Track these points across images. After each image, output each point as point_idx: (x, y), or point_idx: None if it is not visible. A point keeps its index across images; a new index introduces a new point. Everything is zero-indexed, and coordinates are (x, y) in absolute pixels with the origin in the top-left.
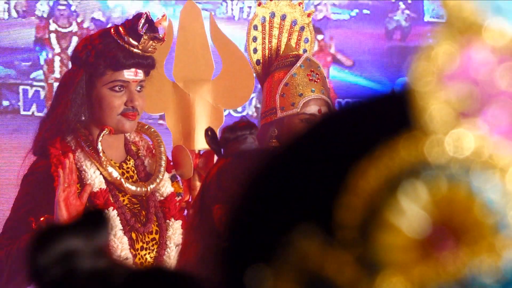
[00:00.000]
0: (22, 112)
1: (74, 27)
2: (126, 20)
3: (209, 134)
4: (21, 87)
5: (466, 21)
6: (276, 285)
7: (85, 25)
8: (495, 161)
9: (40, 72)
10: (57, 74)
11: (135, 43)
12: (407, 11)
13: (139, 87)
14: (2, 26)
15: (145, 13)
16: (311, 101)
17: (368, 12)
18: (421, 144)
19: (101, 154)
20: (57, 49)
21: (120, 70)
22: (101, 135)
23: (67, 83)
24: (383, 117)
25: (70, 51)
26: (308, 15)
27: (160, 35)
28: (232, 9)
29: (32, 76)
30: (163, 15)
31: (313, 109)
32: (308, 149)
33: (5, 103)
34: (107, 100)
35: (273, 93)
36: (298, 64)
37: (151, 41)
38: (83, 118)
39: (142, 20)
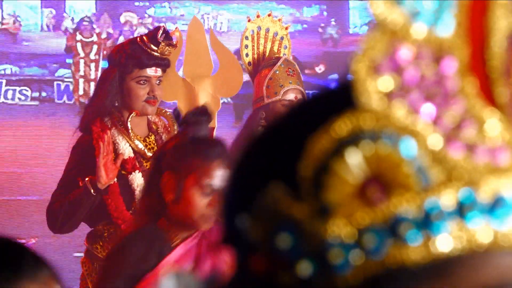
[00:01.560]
0: (56, 101)
1: (94, 38)
2: (149, 31)
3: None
4: (55, 82)
5: (392, 24)
6: (254, 228)
7: (103, 36)
8: (416, 128)
9: (69, 71)
10: (81, 73)
11: (155, 48)
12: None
13: (158, 81)
14: (36, 38)
15: (162, 26)
16: (289, 90)
17: (306, 26)
18: (361, 118)
19: (130, 131)
20: (82, 54)
21: (144, 68)
22: (130, 116)
23: (104, 78)
24: (334, 100)
25: (92, 55)
26: (286, 28)
27: (174, 43)
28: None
29: (62, 73)
30: (176, 28)
31: (291, 96)
32: (282, 126)
33: (44, 94)
34: (134, 91)
35: (261, 85)
36: (279, 63)
37: (167, 47)
38: (117, 104)
39: (160, 31)
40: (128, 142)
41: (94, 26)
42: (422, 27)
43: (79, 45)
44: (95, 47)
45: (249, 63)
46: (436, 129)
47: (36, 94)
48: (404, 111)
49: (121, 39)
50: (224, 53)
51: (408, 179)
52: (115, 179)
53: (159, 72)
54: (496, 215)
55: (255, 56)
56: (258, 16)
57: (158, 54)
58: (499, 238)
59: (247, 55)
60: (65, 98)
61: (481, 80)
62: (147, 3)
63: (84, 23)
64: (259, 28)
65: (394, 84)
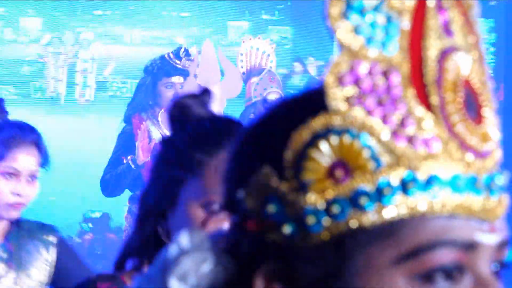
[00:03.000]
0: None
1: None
2: (174, 50)
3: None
4: None
5: (352, 47)
6: (250, 200)
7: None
8: (371, 125)
9: None
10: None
11: (178, 62)
12: None
13: (181, 86)
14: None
15: (183, 46)
16: (271, 93)
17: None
18: (330, 117)
19: (160, 123)
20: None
21: (170, 77)
22: (160, 112)
23: (141, 84)
24: (311, 103)
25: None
26: (272, 47)
27: (192, 58)
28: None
29: None
30: (194, 47)
31: (272, 97)
32: (272, 122)
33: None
34: (163, 93)
35: (250, 89)
36: (263, 72)
37: (187, 61)
38: (150, 103)
39: (182, 50)
40: (158, 130)
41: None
42: (375, 49)
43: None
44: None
45: (243, 72)
46: (385, 126)
47: None
48: (362, 112)
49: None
50: (229, 66)
51: (365, 163)
52: (149, 157)
53: (181, 79)
54: (430, 190)
55: (248, 67)
56: (250, 39)
57: (180, 66)
58: (433, 206)
59: (242, 67)
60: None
61: (419, 88)
62: None
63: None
64: (251, 47)
65: (354, 92)
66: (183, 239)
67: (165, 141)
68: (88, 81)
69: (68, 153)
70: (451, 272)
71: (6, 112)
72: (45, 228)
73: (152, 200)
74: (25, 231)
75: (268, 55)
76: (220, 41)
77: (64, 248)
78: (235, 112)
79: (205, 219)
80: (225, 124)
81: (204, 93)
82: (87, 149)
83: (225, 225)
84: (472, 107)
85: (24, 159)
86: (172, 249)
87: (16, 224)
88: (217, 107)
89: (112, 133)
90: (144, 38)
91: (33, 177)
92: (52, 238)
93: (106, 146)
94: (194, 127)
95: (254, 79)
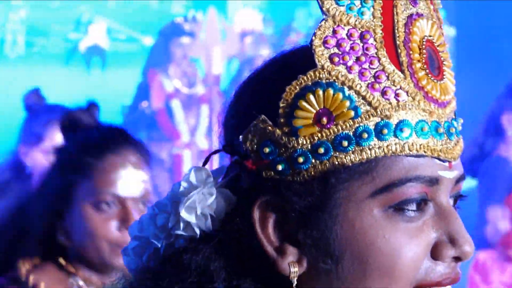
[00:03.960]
0: None
1: None
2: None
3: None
4: None
5: (335, 14)
6: (249, 143)
7: None
8: (350, 79)
9: None
10: None
11: (187, 25)
12: None
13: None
14: None
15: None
16: None
17: None
18: (318, 73)
19: (170, 76)
20: None
21: (179, 37)
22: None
23: (156, 44)
24: (301, 60)
25: None
26: None
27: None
28: None
29: None
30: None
31: None
32: (269, 76)
33: None
34: (174, 51)
35: None
36: None
37: (194, 25)
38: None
39: (190, 15)
40: (170, 82)
41: None
42: (353, 17)
43: None
44: None
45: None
46: (362, 80)
47: None
48: (343, 69)
49: None
50: (228, 30)
51: (346, 112)
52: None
53: (188, 40)
54: (401, 134)
55: None
56: None
57: (188, 29)
58: (402, 148)
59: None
60: None
61: (390, 49)
62: None
63: None
64: None
65: (336, 53)
66: (192, 176)
67: (58, 149)
68: None
69: None
70: (418, 203)
71: (44, 99)
72: None
73: (47, 202)
74: None
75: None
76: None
77: None
78: None
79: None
80: (111, 131)
81: (92, 107)
82: None
83: (114, 223)
84: (434, 64)
85: (61, 137)
86: (182, 185)
87: None
88: (218, 65)
89: None
90: None
91: None
92: None
93: None
94: (84, 135)
95: None
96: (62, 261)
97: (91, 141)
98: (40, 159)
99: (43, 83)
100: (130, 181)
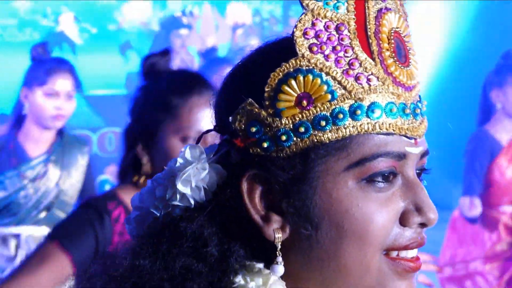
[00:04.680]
0: None
1: None
2: (181, 10)
3: None
4: None
5: (313, 8)
6: (238, 123)
7: None
8: (327, 66)
9: None
10: None
11: (184, 18)
12: None
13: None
14: None
15: (189, 7)
16: None
17: None
18: (299, 61)
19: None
20: None
21: (178, 29)
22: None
23: (157, 35)
24: (285, 50)
25: None
26: None
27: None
28: None
29: None
30: (196, 7)
31: None
32: (256, 63)
33: None
34: (173, 40)
35: None
36: None
37: (191, 18)
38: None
39: (188, 10)
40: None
41: None
42: (329, 11)
43: None
44: None
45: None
46: (338, 67)
47: None
48: (321, 57)
49: None
50: (221, 22)
51: (324, 95)
52: None
53: (186, 31)
54: (372, 114)
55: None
56: None
57: (186, 22)
58: (374, 126)
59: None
60: None
61: (362, 39)
62: None
63: None
64: None
65: (315, 43)
66: (187, 153)
67: (143, 88)
68: None
69: None
70: (387, 176)
71: (49, 52)
72: (81, 139)
73: (136, 134)
74: (66, 141)
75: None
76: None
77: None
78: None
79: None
80: (192, 75)
81: (166, 52)
82: None
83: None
84: (401, 52)
85: (61, 82)
86: (178, 161)
87: (60, 135)
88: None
89: None
90: None
91: (70, 96)
92: (85, 148)
93: None
94: (169, 78)
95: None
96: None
97: (177, 83)
98: (38, 100)
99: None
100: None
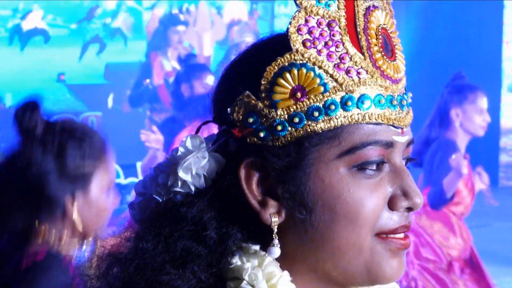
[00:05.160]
0: None
1: None
2: (178, 8)
3: None
4: None
5: (306, 6)
6: (236, 114)
7: None
8: (320, 61)
9: None
10: None
11: (181, 16)
12: None
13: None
14: None
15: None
16: None
17: None
18: (293, 55)
19: (169, 58)
20: None
21: (176, 26)
22: (169, 50)
23: (156, 31)
24: (280, 45)
25: None
26: None
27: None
28: None
29: None
30: (192, 5)
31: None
32: (247, 59)
33: None
34: (171, 37)
35: None
36: None
37: (187, 15)
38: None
39: (184, 7)
40: (168, 63)
41: None
42: (321, 8)
43: None
44: None
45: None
46: (330, 61)
47: None
48: (314, 52)
49: None
50: (216, 19)
51: (317, 87)
52: (162, 81)
53: (183, 28)
54: (362, 105)
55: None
56: None
57: (183, 19)
58: (363, 117)
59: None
60: None
61: (352, 35)
62: None
63: None
64: None
65: (308, 38)
66: (188, 143)
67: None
68: None
69: None
70: (376, 163)
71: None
72: None
73: None
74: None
75: None
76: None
77: None
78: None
79: None
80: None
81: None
82: None
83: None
84: (388, 47)
85: None
86: (180, 150)
87: None
88: (208, 48)
89: None
90: None
91: None
92: None
93: None
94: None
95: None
96: None
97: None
98: None
99: None
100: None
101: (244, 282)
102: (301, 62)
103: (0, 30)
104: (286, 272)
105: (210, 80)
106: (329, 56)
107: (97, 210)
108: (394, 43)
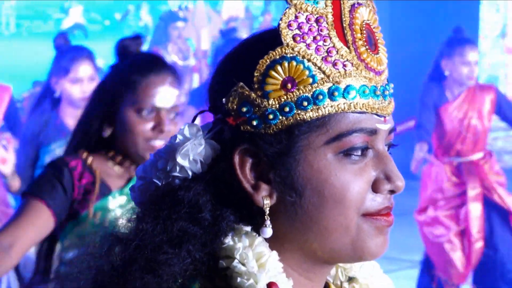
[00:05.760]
0: None
1: None
2: (178, 5)
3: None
4: None
5: (296, 3)
6: (230, 104)
7: None
8: (309, 54)
9: None
10: None
11: (180, 12)
12: None
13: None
14: None
15: (184, 3)
16: None
17: None
18: (283, 49)
19: (169, 51)
20: None
21: (175, 22)
22: (169, 44)
23: (157, 27)
24: (272, 40)
25: None
26: None
27: (189, 10)
28: None
29: None
30: (190, 2)
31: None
32: (241, 52)
33: None
34: (171, 32)
35: None
36: None
37: (186, 12)
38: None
39: (183, 5)
40: (168, 56)
41: None
42: (310, 5)
43: None
44: None
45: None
46: (318, 54)
47: None
48: (303, 46)
49: None
50: (213, 16)
51: (306, 79)
52: None
53: (182, 24)
54: (347, 95)
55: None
56: None
57: (182, 16)
58: (350, 105)
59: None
60: None
61: (339, 30)
62: None
63: None
64: None
65: (298, 33)
66: (185, 130)
67: (112, 67)
68: None
69: None
70: (361, 149)
71: (69, 41)
72: None
73: (100, 107)
74: None
75: None
76: None
77: None
78: None
79: (136, 122)
80: (153, 57)
81: (137, 38)
82: None
83: (149, 125)
84: (371, 41)
85: (83, 68)
86: (178, 137)
87: None
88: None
89: None
90: None
91: (92, 78)
92: None
93: None
94: (133, 58)
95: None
96: (110, 152)
97: (138, 63)
98: (66, 87)
99: (30, 55)
100: (165, 95)
101: (236, 261)
102: (291, 55)
103: (49, 25)
104: (274, 252)
105: None
106: (317, 49)
107: None
108: (377, 37)
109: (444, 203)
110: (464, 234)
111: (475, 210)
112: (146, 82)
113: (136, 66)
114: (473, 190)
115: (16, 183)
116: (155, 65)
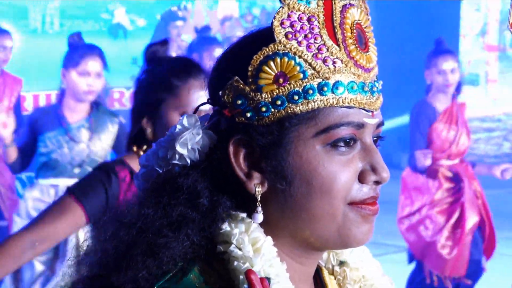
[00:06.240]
0: None
1: None
2: (177, 6)
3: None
4: None
5: (289, 2)
6: (227, 97)
7: None
8: (300, 51)
9: None
10: None
11: (180, 12)
12: None
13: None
14: None
15: (183, 3)
16: None
17: None
18: (276, 45)
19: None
20: None
21: (175, 21)
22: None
23: (157, 25)
24: (266, 37)
25: None
26: None
27: (188, 10)
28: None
29: None
30: (189, 3)
31: None
32: (237, 48)
33: None
34: (171, 31)
35: None
36: None
37: (185, 12)
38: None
39: (182, 5)
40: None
41: None
42: (302, 5)
43: None
44: None
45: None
46: (309, 51)
47: None
48: (295, 43)
49: None
50: (211, 16)
51: (297, 74)
52: None
53: (181, 23)
54: (336, 91)
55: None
56: None
57: (181, 15)
58: (338, 100)
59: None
60: None
61: (329, 29)
62: None
63: None
64: None
65: (290, 31)
66: (184, 121)
67: (147, 71)
68: None
69: None
70: (348, 141)
71: (83, 40)
72: (112, 111)
73: (142, 110)
74: (100, 112)
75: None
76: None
77: (121, 125)
78: None
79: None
80: (190, 62)
81: (165, 42)
82: None
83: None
84: (362, 40)
85: (92, 63)
86: (177, 127)
87: (96, 106)
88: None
89: None
90: None
91: (99, 75)
92: (116, 118)
93: None
94: (171, 63)
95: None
96: None
97: (177, 68)
98: (73, 78)
99: None
100: (204, 99)
101: (232, 245)
102: (283, 51)
103: (100, 25)
104: (269, 237)
105: (218, 53)
106: (308, 47)
107: None
108: (368, 36)
109: (436, 203)
110: (456, 227)
111: (470, 220)
112: (187, 86)
113: (175, 71)
114: (470, 189)
115: (13, 154)
116: (192, 69)
